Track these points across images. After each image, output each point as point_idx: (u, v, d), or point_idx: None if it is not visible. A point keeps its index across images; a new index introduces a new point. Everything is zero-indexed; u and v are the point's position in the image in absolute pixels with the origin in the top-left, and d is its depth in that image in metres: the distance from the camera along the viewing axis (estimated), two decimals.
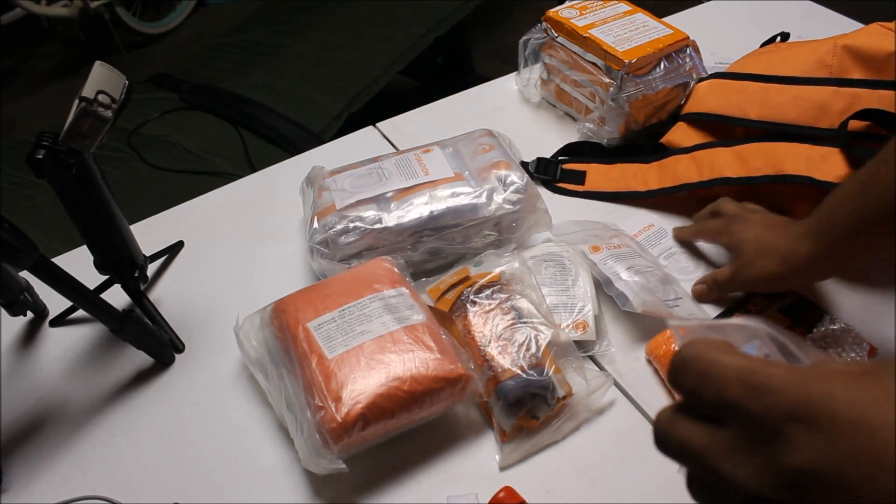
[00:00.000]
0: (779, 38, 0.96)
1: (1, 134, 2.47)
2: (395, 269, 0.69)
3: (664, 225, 0.82)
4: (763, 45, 0.96)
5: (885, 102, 0.73)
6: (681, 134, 0.87)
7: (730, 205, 0.75)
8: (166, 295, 0.80)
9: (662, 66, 0.88)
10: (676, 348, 0.32)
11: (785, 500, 0.26)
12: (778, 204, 0.76)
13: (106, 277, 0.76)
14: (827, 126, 0.75)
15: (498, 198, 0.75)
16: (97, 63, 0.60)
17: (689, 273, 0.76)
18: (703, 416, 0.30)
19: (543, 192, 0.85)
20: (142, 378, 0.71)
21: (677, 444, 0.30)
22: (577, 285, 0.72)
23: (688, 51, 0.90)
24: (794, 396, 0.26)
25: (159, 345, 0.71)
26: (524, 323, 0.65)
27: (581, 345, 0.69)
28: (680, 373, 0.30)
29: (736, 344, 0.32)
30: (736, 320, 0.33)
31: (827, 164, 0.72)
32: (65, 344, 0.75)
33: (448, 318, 0.68)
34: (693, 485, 0.31)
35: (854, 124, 0.73)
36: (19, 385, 0.72)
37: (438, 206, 0.74)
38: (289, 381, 0.62)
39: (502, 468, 0.61)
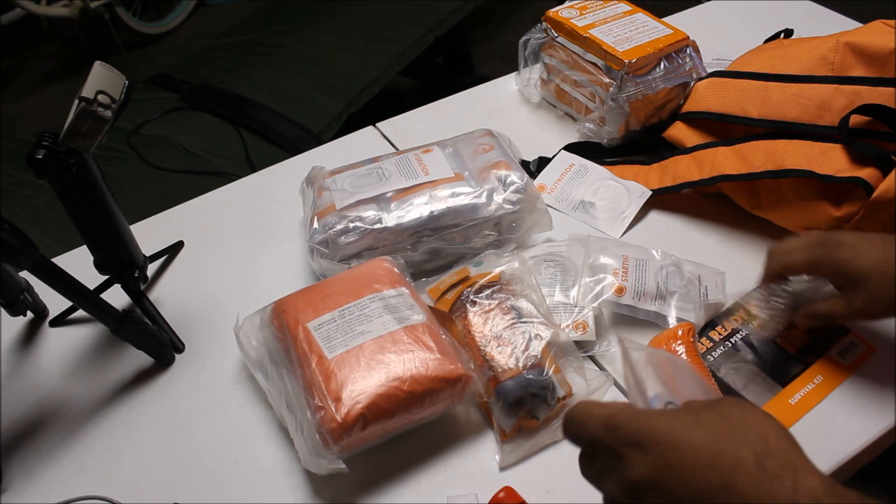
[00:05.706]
0: (782, 35, 0.96)
1: (1, 134, 2.47)
2: (395, 269, 0.69)
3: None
4: (767, 41, 0.96)
5: (886, 100, 0.73)
6: (681, 132, 0.87)
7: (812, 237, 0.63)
8: (166, 295, 0.80)
9: (662, 66, 0.88)
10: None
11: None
12: (779, 200, 0.76)
13: (106, 277, 0.76)
14: (828, 124, 0.75)
15: (498, 198, 0.75)
16: (97, 63, 0.60)
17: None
18: (588, 453, 0.42)
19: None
20: (142, 378, 0.71)
21: (584, 475, 0.42)
22: (577, 286, 0.72)
23: (688, 51, 0.89)
24: (633, 429, 0.38)
25: (159, 345, 0.71)
26: (524, 323, 0.65)
27: (581, 345, 0.69)
28: (566, 427, 0.42)
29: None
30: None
31: (827, 160, 0.72)
32: (65, 344, 0.75)
33: (448, 318, 0.68)
34: (605, 499, 0.42)
35: (855, 120, 0.73)
36: (19, 385, 0.72)
37: (438, 206, 0.74)
38: (289, 381, 0.62)
39: (502, 468, 0.61)
